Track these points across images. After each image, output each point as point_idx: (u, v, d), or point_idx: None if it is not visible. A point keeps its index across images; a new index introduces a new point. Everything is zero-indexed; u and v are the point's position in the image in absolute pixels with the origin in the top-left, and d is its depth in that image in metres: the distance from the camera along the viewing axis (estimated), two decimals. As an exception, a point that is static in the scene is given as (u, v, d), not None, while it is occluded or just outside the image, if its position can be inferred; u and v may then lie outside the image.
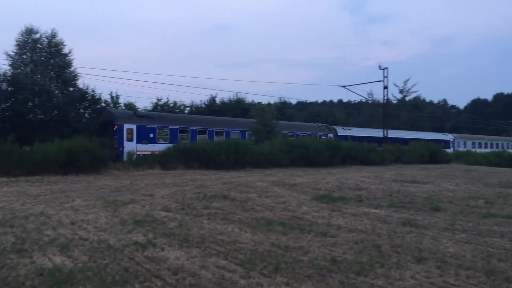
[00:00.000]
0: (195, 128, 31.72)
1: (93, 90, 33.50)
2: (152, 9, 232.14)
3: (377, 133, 46.33)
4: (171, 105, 32.55)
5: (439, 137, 56.15)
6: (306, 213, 10.55)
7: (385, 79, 42.46)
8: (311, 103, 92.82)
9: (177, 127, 30.87)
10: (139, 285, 5.40)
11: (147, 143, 28.39)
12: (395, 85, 69.57)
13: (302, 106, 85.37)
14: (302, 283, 5.46)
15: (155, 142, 28.83)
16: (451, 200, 12.83)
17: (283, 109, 40.26)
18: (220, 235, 8.10)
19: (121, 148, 26.73)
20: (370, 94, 64.88)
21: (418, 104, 74.24)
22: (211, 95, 41.49)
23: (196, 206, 11.45)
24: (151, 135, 28.94)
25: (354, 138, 41.85)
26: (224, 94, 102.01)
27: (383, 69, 42.39)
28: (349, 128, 47.45)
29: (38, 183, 15.97)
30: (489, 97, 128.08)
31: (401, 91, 69.15)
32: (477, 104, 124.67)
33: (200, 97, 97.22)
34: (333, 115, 45.35)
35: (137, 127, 28.48)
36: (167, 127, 30.31)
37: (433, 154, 36.79)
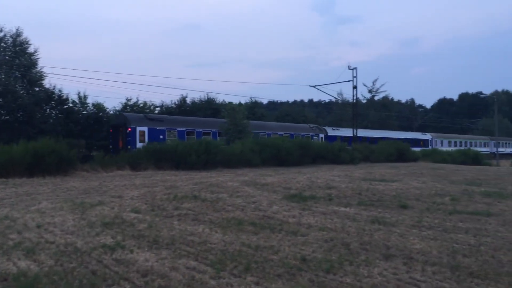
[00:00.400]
0: (200, 129, 33.95)
1: (60, 90, 32.71)
2: (121, 8, 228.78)
3: (364, 133, 49.09)
4: (141, 105, 32.09)
5: (419, 137, 60.45)
6: (277, 213, 10.59)
7: (354, 79, 43.08)
8: (282, 103, 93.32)
9: (184, 129, 32.99)
10: (107, 288, 5.32)
11: (143, 142, 29.16)
12: (364, 85, 70.85)
13: (273, 106, 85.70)
14: (272, 282, 5.48)
15: (151, 140, 29.18)
16: (418, 198, 13.09)
17: (254, 109, 40.30)
18: (191, 236, 8.06)
19: (134, 149, 27.40)
20: (340, 93, 65.82)
21: (387, 103, 75.73)
22: (182, 95, 41.26)
23: (167, 207, 11.34)
24: (161, 136, 30.46)
25: (342, 138, 43.69)
26: (194, 94, 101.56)
27: (352, 69, 43.00)
28: (338, 128, 50.00)
29: (3, 185, 15.52)
30: (455, 97, 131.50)
31: (370, 91, 70.43)
32: (443, 104, 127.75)
33: (170, 97, 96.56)
34: (303, 115, 45.66)
35: (149, 129, 30.52)
36: (175, 129, 32.33)
37: (401, 153, 37.45)
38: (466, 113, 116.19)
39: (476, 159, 42.61)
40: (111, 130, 31.41)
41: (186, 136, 31.75)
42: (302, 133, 42.13)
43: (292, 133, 41.02)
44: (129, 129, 29.77)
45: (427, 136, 62.51)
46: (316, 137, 43.48)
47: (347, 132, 47.93)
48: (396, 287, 5.36)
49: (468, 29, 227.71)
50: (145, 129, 30.57)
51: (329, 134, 45.46)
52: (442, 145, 61.88)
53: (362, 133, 48.38)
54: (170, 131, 31.78)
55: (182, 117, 37.15)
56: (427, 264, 6.30)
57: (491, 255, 6.79)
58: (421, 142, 55.58)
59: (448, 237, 8.07)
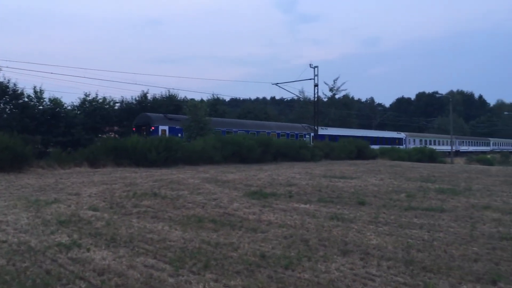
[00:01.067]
0: (222, 129, 38.12)
1: (15, 84, 31.58)
2: (81, 2, 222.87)
3: (351, 132, 55.58)
4: (100, 100, 31.36)
5: (394, 136, 66.12)
6: (238, 210, 10.60)
7: (316, 77, 43.60)
8: (244, 100, 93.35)
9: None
10: (61, 287, 5.19)
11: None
12: (326, 83, 71.78)
13: (235, 102, 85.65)
14: (231, 279, 5.49)
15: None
16: (375, 194, 13.39)
17: (216, 106, 40.13)
18: (150, 234, 7.96)
19: None
20: (302, 91, 66.45)
21: (347, 102, 76.90)
22: (143, 91, 40.56)
23: (125, 204, 11.16)
24: (179, 134, 32.64)
25: (330, 136, 48.59)
26: (156, 90, 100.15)
27: (313, 68, 43.49)
28: (326, 128, 54.58)
29: (-48, 183, 14.89)
30: (412, 96, 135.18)
31: (331, 89, 71.31)
32: (401, 103, 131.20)
33: (131, 93, 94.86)
34: (265, 112, 45.82)
35: (169, 128, 34.82)
36: (177, 128, 35.03)
37: (360, 150, 38.20)
38: (423, 112, 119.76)
39: (431, 157, 43.94)
40: (134, 129, 33.50)
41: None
42: (296, 132, 47.93)
43: (288, 132, 46.48)
44: (152, 128, 33.66)
45: (401, 135, 68.00)
46: (308, 136, 48.32)
47: (334, 131, 53.62)
48: (352, 282, 5.47)
49: (425, 30, 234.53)
50: (166, 127, 34.97)
51: (319, 133, 48.21)
52: (414, 143, 66.69)
53: (345, 132, 54.27)
54: (176, 130, 34.95)
55: (178, 117, 39.11)
56: (383, 259, 6.46)
57: (443, 250, 7.02)
58: (397, 141, 61.74)
59: (403, 232, 8.30)
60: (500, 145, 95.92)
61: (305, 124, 51.96)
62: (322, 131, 49.92)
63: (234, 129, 39.19)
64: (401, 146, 57.12)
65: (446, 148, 71.36)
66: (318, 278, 5.58)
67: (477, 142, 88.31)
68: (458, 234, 8.14)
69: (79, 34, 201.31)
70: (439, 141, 76.31)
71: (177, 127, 34.74)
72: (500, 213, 10.30)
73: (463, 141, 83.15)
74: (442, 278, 5.64)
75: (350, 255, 6.70)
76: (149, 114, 36.28)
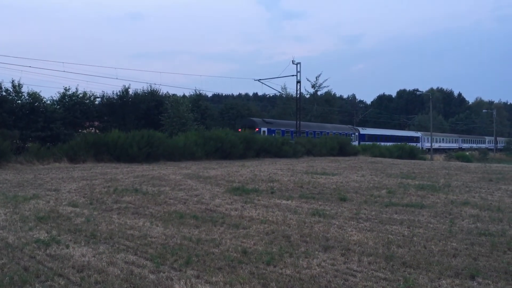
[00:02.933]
0: (291, 129, 46.63)
1: (-8, 78, 30.95)
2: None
3: (389, 132, 67.46)
4: (80, 95, 30.92)
5: (413, 134, 74.55)
6: (219, 206, 10.57)
7: (298, 73, 43.64)
8: (227, 96, 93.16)
9: (284, 129, 47.08)
10: (39, 284, 5.11)
11: None
12: (308, 80, 72.08)
13: (217, 98, 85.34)
14: (212, 276, 5.47)
15: None
16: (356, 191, 13.49)
17: (198, 102, 39.86)
18: (130, 230, 7.89)
19: None
20: (284, 88, 66.65)
21: (329, 98, 77.29)
22: (124, 86, 40.15)
23: (106, 200, 11.05)
24: (273, 134, 42.43)
25: (369, 135, 60.32)
26: (137, 85, 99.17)
27: (296, 64, 43.51)
28: (365, 128, 65.85)
29: None
30: (393, 93, 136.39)
31: (313, 86, 71.63)
32: (382, 100, 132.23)
33: (112, 88, 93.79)
34: (248, 108, 45.77)
35: (267, 129, 44.39)
36: (280, 129, 46.47)
37: (342, 147, 38.42)
38: (403, 109, 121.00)
39: (411, 153, 44.49)
40: (239, 130, 39.13)
41: (284, 134, 44.96)
42: (346, 132, 56.95)
43: (341, 132, 55.62)
44: (257, 129, 42.75)
45: (418, 134, 75.62)
46: (353, 135, 57.78)
47: (371, 131, 64.14)
48: (334, 278, 5.49)
49: (406, 29, 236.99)
50: (266, 129, 44.33)
51: (361, 133, 59.81)
52: (428, 141, 72.37)
53: (373, 131, 64.31)
54: (277, 130, 45.42)
55: (284, 121, 53.36)
56: (364, 255, 6.50)
57: (423, 245, 7.09)
58: (414, 139, 70.51)
59: (383, 228, 8.37)
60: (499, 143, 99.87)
61: (350, 125, 65.11)
62: (362, 131, 61.78)
63: (291, 130, 47.03)
64: (418, 144, 67.59)
65: (454, 145, 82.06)
66: (300, 274, 5.59)
67: (475, 140, 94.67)
68: (438, 230, 8.24)
69: (58, 27, 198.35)
70: (448, 139, 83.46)
71: (272, 128, 45.47)
72: (478, 209, 10.46)
73: (464, 139, 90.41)
74: (421, 273, 5.71)
75: (331, 251, 6.73)
76: (253, 118, 47.00)
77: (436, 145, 73.62)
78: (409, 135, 72.50)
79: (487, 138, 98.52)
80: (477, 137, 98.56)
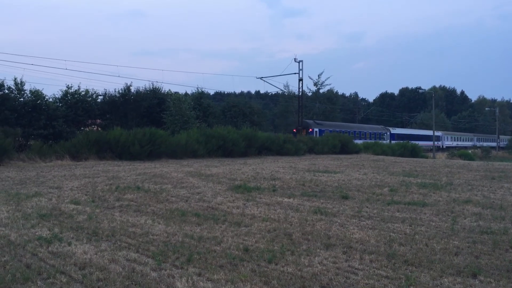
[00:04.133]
0: (342, 130, 53.13)
1: (-5, 76, 30.95)
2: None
3: (415, 131, 73.87)
4: (83, 93, 30.91)
5: (428, 133, 74.94)
6: (221, 204, 10.58)
7: (300, 71, 43.60)
8: (229, 94, 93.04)
9: (331, 129, 52.09)
10: (42, 282, 5.12)
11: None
12: (310, 78, 71.89)
13: (220, 96, 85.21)
14: (214, 273, 5.47)
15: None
16: (358, 189, 13.48)
17: (200, 99, 39.78)
18: (132, 228, 7.90)
19: None
20: (286, 86, 66.55)
21: (331, 96, 77.11)
22: (126, 83, 40.12)
23: (108, 198, 11.06)
24: (322, 133, 48.54)
25: (400, 135, 65.22)
26: (139, 83, 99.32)
27: (298, 62, 43.46)
28: (395, 128, 71.55)
29: None
30: (396, 91, 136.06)
31: (315, 84, 71.50)
32: (385, 98, 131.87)
33: (114, 85, 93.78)
34: (250, 106, 45.68)
35: (319, 130, 51.84)
36: (328, 129, 51.72)
37: (344, 145, 38.38)
38: (406, 107, 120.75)
39: (413, 152, 44.39)
40: (294, 130, 46.76)
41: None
42: (379, 132, 64.44)
43: (375, 132, 63.55)
44: (310, 129, 50.53)
45: (439, 133, 78.36)
46: (385, 134, 64.45)
47: (400, 130, 70.02)
48: (335, 276, 5.49)
49: (408, 27, 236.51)
50: (317, 129, 51.88)
51: (392, 132, 65.69)
52: (448, 140, 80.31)
53: (402, 131, 70.18)
54: (326, 131, 50.07)
55: (331, 122, 60.28)
56: (365, 253, 6.50)
57: (425, 243, 7.09)
58: (437, 138, 73.63)
59: (385, 226, 8.36)
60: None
61: (383, 126, 70.99)
62: (393, 130, 67.80)
63: (337, 129, 52.70)
64: (439, 142, 73.11)
65: (470, 144, 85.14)
66: (301, 272, 5.59)
67: (489, 139, 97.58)
68: (440, 228, 8.23)
69: (60, 25, 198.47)
70: (464, 138, 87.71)
71: (322, 129, 52.16)
72: (480, 208, 10.45)
73: (479, 138, 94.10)
74: (423, 272, 5.70)
75: (333, 249, 6.73)
76: (307, 120, 54.66)
77: (454, 143, 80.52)
78: (426, 134, 76.07)
79: (501, 137, 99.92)
80: (491, 136, 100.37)
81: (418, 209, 10.14)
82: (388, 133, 66.06)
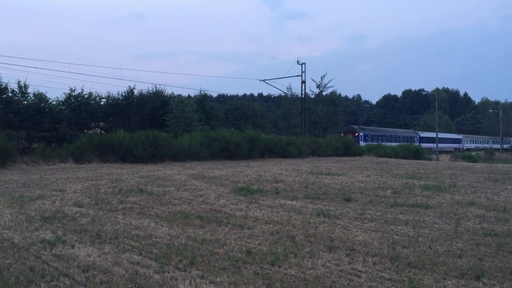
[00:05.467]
0: (380, 134, 63.99)
1: (-2, 79, 31.04)
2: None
3: (446, 135, 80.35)
4: (86, 96, 30.99)
5: (455, 136, 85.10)
6: (224, 206, 10.58)
7: (303, 74, 43.59)
8: (232, 96, 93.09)
9: (372, 133, 62.50)
10: (45, 284, 5.13)
11: (364, 142, 54.64)
12: (313, 80, 71.55)
13: (222, 99, 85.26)
14: (217, 276, 5.47)
15: (367, 141, 56.62)
16: (362, 191, 13.46)
17: (203, 102, 39.80)
18: (135, 230, 7.91)
19: (361, 145, 47.38)
20: (289, 88, 66.45)
21: (334, 98, 76.96)
22: (129, 86, 40.23)
23: (111, 200, 11.09)
24: (366, 138, 58.90)
25: (428, 138, 72.75)
26: (142, 86, 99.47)
27: (301, 64, 43.45)
28: (423, 132, 78.67)
29: None
30: (399, 93, 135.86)
31: (318, 86, 71.26)
32: (388, 100, 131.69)
33: (117, 88, 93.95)
34: (253, 109, 45.65)
35: (363, 134, 60.15)
36: (370, 133, 61.95)
37: (347, 147, 38.34)
38: (409, 109, 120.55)
39: (417, 154, 44.29)
40: (342, 134, 52.72)
41: (377, 138, 60.99)
42: (410, 135, 71.35)
43: (407, 135, 70.51)
44: (356, 134, 58.58)
45: (460, 136, 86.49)
46: (415, 138, 71.26)
47: (428, 134, 75.49)
48: (338, 278, 5.48)
49: (411, 29, 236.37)
50: (362, 134, 60.13)
51: (421, 136, 73.02)
52: (467, 142, 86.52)
53: (429, 134, 74.96)
54: (370, 135, 60.92)
55: (373, 127, 70.95)
56: (368, 255, 6.49)
57: (428, 245, 7.07)
58: (457, 140, 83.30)
59: (388, 228, 8.35)
60: None
61: (413, 130, 79.74)
62: (422, 134, 74.61)
63: (377, 134, 63.29)
64: (459, 145, 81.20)
65: (486, 146, 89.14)
66: (304, 274, 5.59)
67: (504, 141, 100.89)
68: (443, 230, 8.22)
69: (63, 28, 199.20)
70: (480, 140, 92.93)
71: (366, 133, 60.91)
72: (484, 210, 10.42)
73: (495, 140, 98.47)
74: (426, 274, 5.69)
75: (336, 251, 6.72)
76: (353, 126, 64.12)
77: (473, 145, 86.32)
78: (453, 137, 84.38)
79: (504, 139, 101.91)
80: (506, 138, 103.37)
81: (421, 211, 10.12)
82: (418, 136, 72.93)
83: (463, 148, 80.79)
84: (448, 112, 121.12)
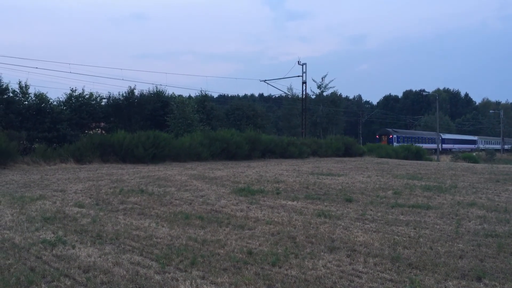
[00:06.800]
0: (411, 136, 71.34)
1: (0, 79, 31.09)
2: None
3: (458, 136, 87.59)
4: (87, 96, 30.99)
5: (471, 138, 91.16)
6: (225, 207, 10.58)
7: (304, 74, 43.62)
8: (233, 97, 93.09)
9: (404, 136, 69.23)
10: (46, 285, 5.13)
11: (397, 143, 60.01)
12: (314, 81, 71.68)
13: (223, 99, 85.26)
14: (218, 276, 5.47)
15: (400, 142, 61.74)
16: (362, 192, 13.45)
17: (204, 102, 39.78)
18: (136, 231, 7.91)
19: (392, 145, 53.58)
20: (290, 88, 66.43)
21: (335, 99, 76.96)
22: (130, 87, 40.22)
23: (112, 201, 11.08)
24: (399, 139, 65.00)
25: (450, 139, 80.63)
26: (143, 86, 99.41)
27: (301, 65, 43.49)
28: (445, 133, 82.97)
29: None
30: (399, 94, 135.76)
31: (319, 87, 71.29)
32: (388, 100, 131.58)
33: (118, 89, 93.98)
34: (253, 109, 45.62)
35: (397, 137, 66.42)
36: (402, 136, 68.31)
37: (347, 148, 38.29)
38: (409, 109, 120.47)
39: (417, 154, 44.27)
40: (377, 136, 67.23)
41: (408, 140, 66.84)
42: (433, 137, 74.13)
43: (426, 136, 76.81)
44: (390, 136, 65.97)
45: (475, 137, 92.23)
46: (439, 140, 74.58)
47: (449, 136, 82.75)
48: (339, 279, 5.47)
49: (412, 29, 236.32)
50: (395, 136, 66.33)
51: (443, 137, 76.84)
52: (482, 143, 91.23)
53: (450, 136, 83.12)
54: (401, 137, 67.24)
55: (402, 130, 77.50)
56: (369, 256, 6.48)
57: (429, 246, 7.07)
58: (472, 141, 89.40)
59: (389, 229, 8.34)
60: None
61: (435, 132, 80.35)
62: (444, 136, 79.20)
63: (408, 136, 70.56)
64: (475, 146, 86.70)
65: (498, 147, 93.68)
66: (305, 275, 5.58)
67: None
68: (444, 231, 8.21)
69: (64, 28, 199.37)
70: (493, 141, 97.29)
71: (397, 135, 67.02)
72: (485, 210, 10.41)
73: (506, 141, 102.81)
74: (427, 275, 5.68)
75: (337, 252, 6.72)
76: (388, 129, 71.71)
77: (487, 146, 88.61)
78: (469, 138, 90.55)
79: (505, 139, 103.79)
80: (507, 139, 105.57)
81: (422, 212, 10.12)
82: (440, 138, 76.12)
83: (478, 148, 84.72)
84: (449, 112, 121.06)
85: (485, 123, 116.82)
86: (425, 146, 63.71)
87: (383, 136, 67.10)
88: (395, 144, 59.24)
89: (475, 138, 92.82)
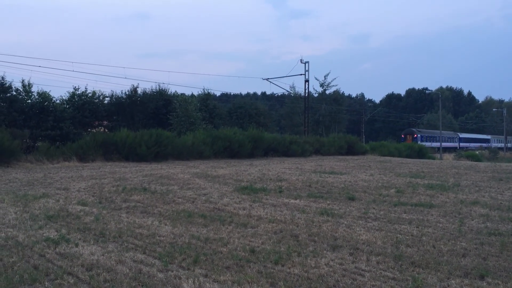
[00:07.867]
0: (432, 135, 77.24)
1: (3, 78, 31.11)
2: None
3: (474, 135, 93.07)
4: (90, 95, 31.06)
5: (485, 137, 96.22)
6: (228, 205, 10.59)
7: (306, 72, 43.53)
8: (235, 95, 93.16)
9: (427, 135, 76.92)
10: (49, 283, 5.15)
11: (421, 142, 66.04)
12: (316, 79, 71.50)
13: (226, 98, 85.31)
14: (220, 274, 5.48)
15: (423, 141, 68.18)
16: (365, 190, 13.44)
17: (206, 101, 39.79)
18: (139, 229, 7.92)
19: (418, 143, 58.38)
20: (292, 87, 66.33)
21: (338, 97, 76.82)
22: (133, 85, 40.28)
23: (115, 199, 11.11)
24: (422, 138, 71.67)
25: (467, 138, 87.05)
26: (146, 85, 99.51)
27: (304, 63, 43.39)
28: (462, 133, 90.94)
29: None
30: (402, 92, 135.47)
31: (321, 85, 71.15)
32: (391, 99, 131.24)
33: (121, 87, 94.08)
34: (256, 107, 45.61)
35: (420, 136, 73.24)
36: (425, 135, 75.92)
37: (350, 146, 38.25)
38: (412, 108, 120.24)
39: (420, 153, 44.20)
40: (402, 136, 74.41)
41: (427, 139, 74.68)
42: (452, 136, 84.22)
43: (450, 136, 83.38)
44: (415, 135, 72.82)
45: (488, 136, 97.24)
46: (455, 139, 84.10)
47: (465, 135, 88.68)
48: (342, 277, 5.48)
49: (415, 27, 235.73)
50: (420, 135, 73.42)
51: (460, 136, 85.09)
52: (495, 142, 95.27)
53: (467, 135, 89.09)
54: (424, 136, 74.71)
55: (425, 130, 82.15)
56: (372, 254, 6.48)
57: (432, 245, 7.06)
58: (486, 140, 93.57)
59: (392, 228, 8.34)
60: None
61: (453, 131, 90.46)
62: (461, 135, 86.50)
63: (430, 135, 77.40)
64: (488, 144, 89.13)
65: (510, 145, 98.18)
66: (308, 273, 5.59)
67: None
68: (447, 230, 8.20)
69: (67, 27, 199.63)
70: (509, 140, 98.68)
71: (421, 135, 74.39)
72: (488, 209, 10.39)
73: None
74: (430, 273, 5.68)
75: (339, 250, 6.72)
76: (413, 129, 78.92)
77: (500, 145, 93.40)
78: (483, 137, 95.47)
79: (508, 138, 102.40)
80: (510, 137, 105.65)
81: (425, 211, 10.10)
82: (457, 137, 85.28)
83: (492, 147, 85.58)
84: (452, 111, 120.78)
85: (488, 121, 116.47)
86: (444, 144, 67.18)
87: (408, 136, 73.89)
88: (419, 142, 64.60)
89: (488, 137, 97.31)
